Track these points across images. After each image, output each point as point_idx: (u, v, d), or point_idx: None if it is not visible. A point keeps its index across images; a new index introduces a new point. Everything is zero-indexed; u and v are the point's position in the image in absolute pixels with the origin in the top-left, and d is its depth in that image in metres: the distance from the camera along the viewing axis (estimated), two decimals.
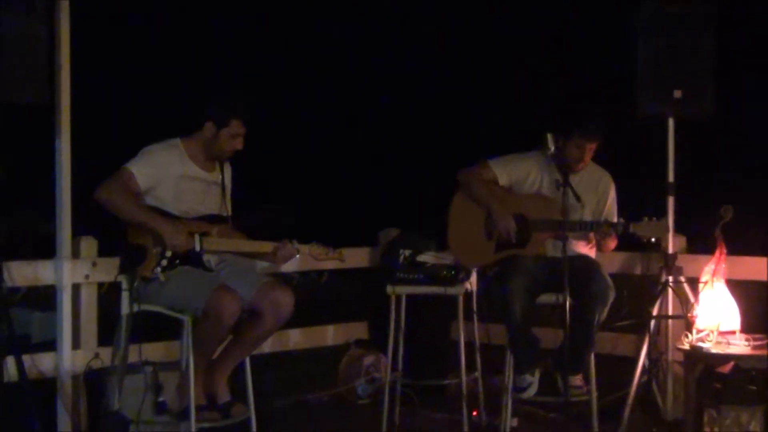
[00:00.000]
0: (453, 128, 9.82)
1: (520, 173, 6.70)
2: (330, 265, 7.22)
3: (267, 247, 6.08)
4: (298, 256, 6.13)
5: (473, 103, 9.65)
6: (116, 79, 9.96)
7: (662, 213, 6.74)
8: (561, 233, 6.23)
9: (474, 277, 6.90)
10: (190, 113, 6.12)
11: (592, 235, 6.56)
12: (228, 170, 6.26)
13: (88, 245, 6.67)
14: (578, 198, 6.24)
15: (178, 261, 5.89)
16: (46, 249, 6.69)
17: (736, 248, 6.74)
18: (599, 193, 6.68)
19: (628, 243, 6.73)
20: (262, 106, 6.67)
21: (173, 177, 5.97)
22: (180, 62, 10.21)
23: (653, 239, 6.33)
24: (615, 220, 6.62)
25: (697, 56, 6.82)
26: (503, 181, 6.71)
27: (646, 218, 6.31)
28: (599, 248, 6.61)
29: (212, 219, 6.08)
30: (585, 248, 6.65)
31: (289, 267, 7.34)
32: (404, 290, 6.85)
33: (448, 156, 7.16)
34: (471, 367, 6.92)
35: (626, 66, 6.94)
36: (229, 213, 6.23)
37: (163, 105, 8.63)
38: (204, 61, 10.26)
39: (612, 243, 6.52)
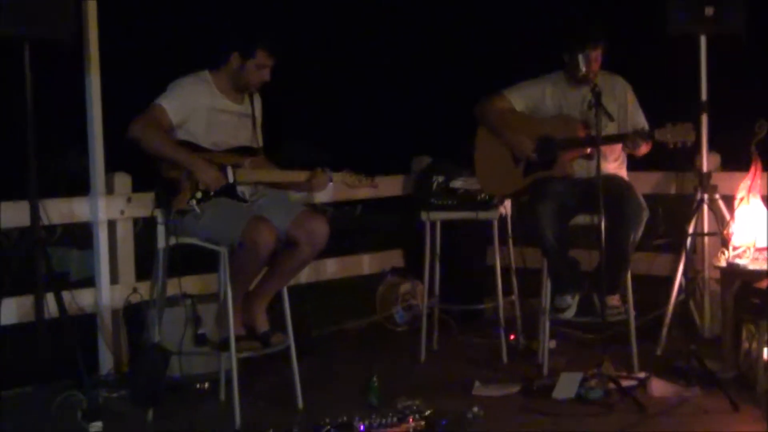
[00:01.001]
0: (479, 52, 9.75)
1: (537, 95, 6.67)
2: (364, 194, 7.65)
3: (300, 176, 6.10)
4: (331, 184, 6.16)
5: (499, 24, 9.57)
6: (144, 12, 9.93)
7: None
8: (591, 153, 6.26)
9: (508, 202, 6.93)
10: (217, 45, 6.10)
11: (620, 148, 6.52)
12: (258, 102, 6.24)
13: (122, 181, 6.75)
14: (610, 116, 6.22)
15: (212, 193, 5.91)
16: (80, 186, 6.76)
17: None
18: (618, 99, 6.56)
19: (662, 160, 6.72)
20: (291, 37, 6.63)
21: (204, 109, 5.97)
22: None
23: (679, 143, 6.18)
24: (641, 120, 6.57)
25: None
26: (520, 107, 6.70)
27: (669, 124, 6.19)
28: (634, 154, 6.47)
29: (244, 151, 6.09)
30: (614, 166, 6.60)
31: (322, 197, 7.48)
32: (439, 216, 6.90)
33: (478, 81, 7.12)
34: (507, 291, 6.99)
35: None
36: (260, 145, 6.24)
37: (192, 38, 8.60)
38: None
39: (645, 148, 6.39)
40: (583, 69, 6.27)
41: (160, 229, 5.91)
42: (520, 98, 6.70)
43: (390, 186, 7.98)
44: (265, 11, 9.51)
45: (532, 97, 6.69)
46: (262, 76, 6.05)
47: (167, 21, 10.17)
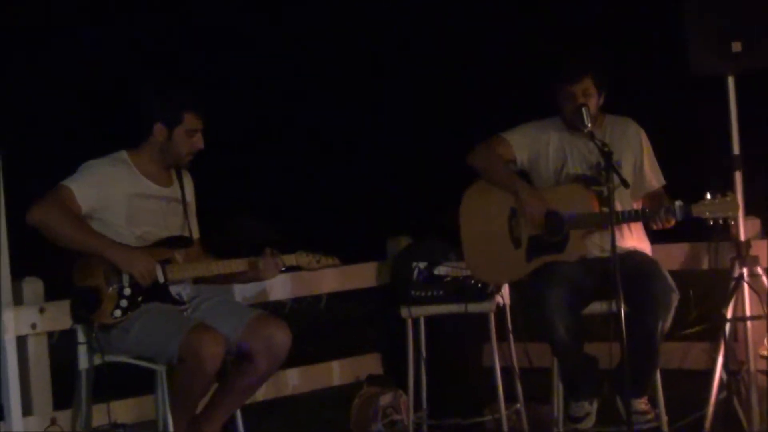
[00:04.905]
0: (457, 111, 9.82)
1: (541, 141, 6.59)
2: (329, 285, 7.84)
3: (244, 264, 6.08)
4: (284, 268, 6.15)
5: (481, 78, 9.67)
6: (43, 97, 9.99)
7: (728, 188, 6.48)
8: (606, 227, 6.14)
9: (506, 289, 6.84)
10: (135, 121, 6.09)
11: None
12: (189, 182, 6.28)
13: (33, 288, 6.63)
14: (626, 183, 6.10)
15: (141, 298, 5.85)
16: None
17: None
18: (632, 148, 6.50)
19: (692, 231, 6.65)
20: (240, 103, 6.56)
21: (123, 196, 5.96)
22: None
23: (721, 220, 6.12)
24: (658, 178, 6.52)
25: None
26: (522, 154, 6.58)
27: (708, 195, 6.11)
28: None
29: (173, 242, 6.06)
30: (634, 239, 6.48)
31: (279, 293, 7.54)
32: (422, 311, 6.82)
33: (453, 146, 7.07)
34: (511, 397, 6.89)
35: (674, 19, 6.82)
36: (195, 234, 6.24)
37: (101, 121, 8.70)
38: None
39: (673, 221, 6.32)
40: (588, 125, 6.19)
41: (81, 349, 5.86)
42: (522, 142, 6.61)
43: (361, 276, 7.94)
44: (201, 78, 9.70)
45: (536, 142, 6.61)
46: (195, 144, 6.07)
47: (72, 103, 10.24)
